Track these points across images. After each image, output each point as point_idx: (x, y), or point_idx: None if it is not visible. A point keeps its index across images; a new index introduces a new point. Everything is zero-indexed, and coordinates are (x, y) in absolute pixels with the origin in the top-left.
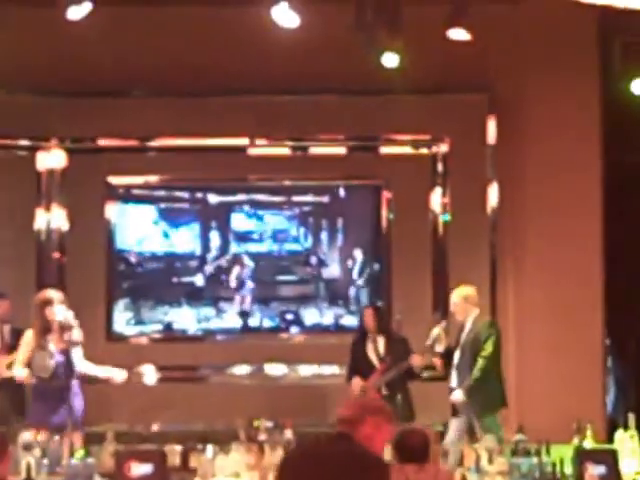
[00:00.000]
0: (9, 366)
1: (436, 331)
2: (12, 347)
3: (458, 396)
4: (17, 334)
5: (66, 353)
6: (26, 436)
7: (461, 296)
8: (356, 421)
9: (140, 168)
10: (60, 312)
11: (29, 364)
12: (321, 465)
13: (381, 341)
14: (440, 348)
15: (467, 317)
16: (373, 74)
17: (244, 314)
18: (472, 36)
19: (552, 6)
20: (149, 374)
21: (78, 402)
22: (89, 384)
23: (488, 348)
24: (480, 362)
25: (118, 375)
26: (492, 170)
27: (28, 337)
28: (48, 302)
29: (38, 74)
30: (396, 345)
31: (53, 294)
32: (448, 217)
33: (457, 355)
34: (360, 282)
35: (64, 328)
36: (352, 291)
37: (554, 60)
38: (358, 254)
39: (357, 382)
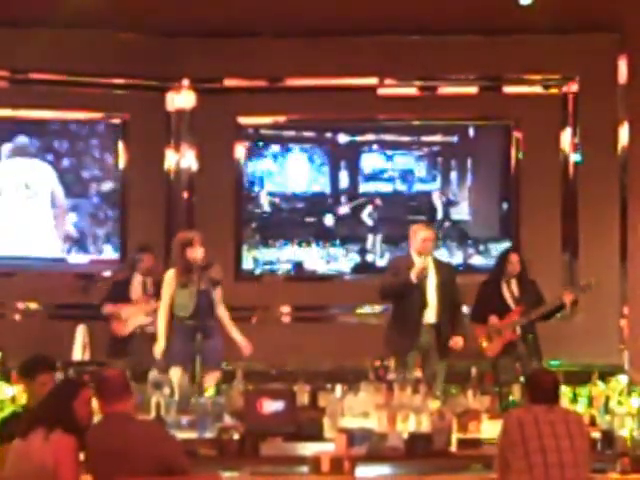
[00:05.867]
0: (149, 313)
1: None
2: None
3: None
4: (160, 289)
5: (207, 293)
6: (155, 374)
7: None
8: None
9: (269, 108)
10: (201, 252)
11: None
12: None
13: (514, 283)
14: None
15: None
16: (503, 13)
17: (373, 254)
18: None
19: None
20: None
21: (215, 342)
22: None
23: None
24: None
25: (245, 348)
26: (623, 110)
27: (169, 277)
28: (189, 242)
29: (168, 15)
30: (528, 287)
31: (193, 234)
32: (579, 157)
33: (433, 293)
34: (489, 222)
35: (205, 268)
36: (481, 231)
37: None
38: (487, 194)
39: (494, 320)
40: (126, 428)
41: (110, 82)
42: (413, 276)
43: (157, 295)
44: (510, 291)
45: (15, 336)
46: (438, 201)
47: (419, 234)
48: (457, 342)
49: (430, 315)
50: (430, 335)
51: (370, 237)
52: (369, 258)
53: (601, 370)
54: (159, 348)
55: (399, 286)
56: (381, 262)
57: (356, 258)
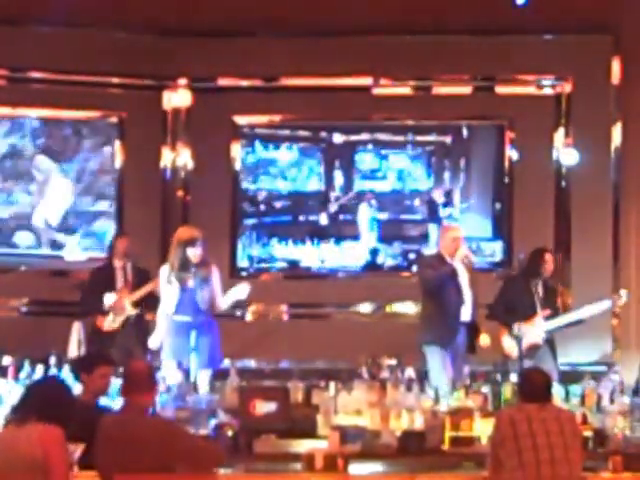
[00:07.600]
0: (135, 305)
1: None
2: (136, 285)
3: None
4: (139, 273)
5: (199, 291)
6: None
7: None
8: None
9: (265, 107)
10: (200, 251)
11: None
12: None
13: (540, 285)
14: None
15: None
16: (498, 14)
17: (367, 252)
18: None
19: None
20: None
21: (210, 340)
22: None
23: None
24: None
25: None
26: (616, 110)
27: (164, 274)
28: (192, 241)
29: (165, 14)
30: (550, 293)
31: (198, 234)
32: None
33: (467, 291)
34: (482, 222)
35: (199, 265)
36: (474, 230)
37: None
38: (480, 194)
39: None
40: (138, 421)
41: (107, 81)
42: (459, 258)
43: (139, 282)
44: (537, 292)
45: (10, 333)
46: (439, 199)
47: (449, 234)
48: (485, 340)
49: (465, 313)
50: (462, 333)
51: (364, 235)
52: (365, 257)
53: (593, 369)
54: (156, 341)
55: (445, 274)
56: (376, 260)
57: (351, 256)
